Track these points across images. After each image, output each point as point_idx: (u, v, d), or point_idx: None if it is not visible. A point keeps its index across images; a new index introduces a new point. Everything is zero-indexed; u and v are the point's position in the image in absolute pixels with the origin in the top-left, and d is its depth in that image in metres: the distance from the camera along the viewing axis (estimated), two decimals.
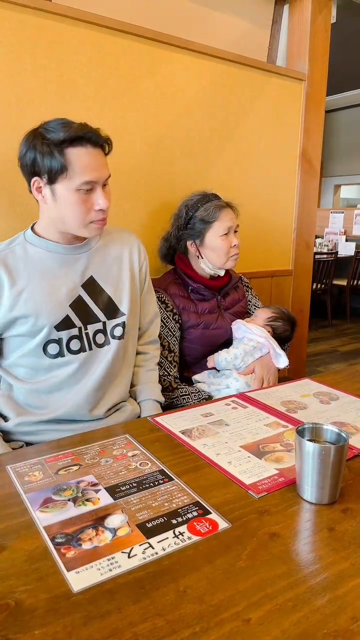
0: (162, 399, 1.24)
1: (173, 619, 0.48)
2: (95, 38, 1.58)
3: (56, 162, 0.97)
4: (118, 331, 1.15)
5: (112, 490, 0.69)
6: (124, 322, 1.15)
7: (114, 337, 1.14)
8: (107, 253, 1.17)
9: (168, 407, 1.27)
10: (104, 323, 1.13)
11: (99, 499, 0.67)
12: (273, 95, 2.13)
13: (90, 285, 1.12)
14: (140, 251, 1.24)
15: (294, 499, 0.69)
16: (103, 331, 1.13)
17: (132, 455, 0.80)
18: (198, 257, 1.41)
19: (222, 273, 1.47)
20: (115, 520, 0.62)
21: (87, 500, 0.67)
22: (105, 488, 0.70)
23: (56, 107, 1.54)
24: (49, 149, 0.97)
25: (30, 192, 1.06)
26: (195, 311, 1.41)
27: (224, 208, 1.39)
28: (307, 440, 0.68)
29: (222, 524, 0.62)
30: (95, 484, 0.71)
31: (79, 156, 0.98)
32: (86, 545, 0.57)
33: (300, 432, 0.71)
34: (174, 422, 0.94)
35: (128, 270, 1.19)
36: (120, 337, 1.15)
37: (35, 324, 1.04)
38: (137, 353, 1.26)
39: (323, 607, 0.50)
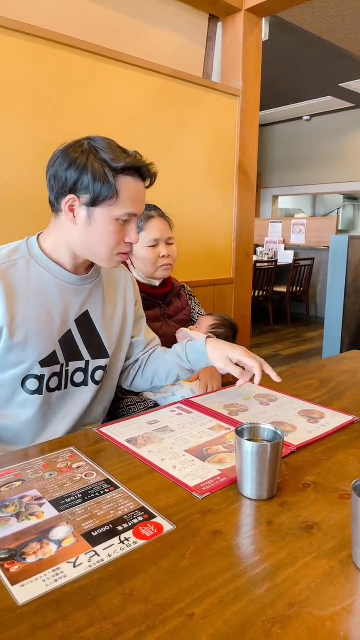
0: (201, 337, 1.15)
1: (119, 621, 0.49)
2: (29, 48, 1.58)
3: (107, 188, 0.92)
4: (98, 375, 1.10)
5: (57, 503, 0.69)
6: (106, 365, 1.11)
7: (93, 380, 1.09)
8: (104, 288, 1.12)
9: (114, 417, 1.28)
10: (87, 362, 1.08)
11: (43, 512, 0.67)
12: (209, 109, 2.21)
13: (83, 321, 1.07)
14: (134, 287, 1.20)
15: (235, 497, 0.72)
16: (84, 370, 1.08)
17: (77, 467, 0.80)
18: (130, 265, 1.44)
19: (156, 283, 1.49)
20: (60, 531, 0.62)
21: (31, 514, 0.66)
22: (49, 501, 0.69)
23: None
24: (103, 171, 0.92)
25: (53, 206, 0.99)
26: None
27: (151, 218, 1.42)
28: (246, 439, 0.72)
29: (167, 526, 0.64)
30: (38, 498, 0.70)
31: (128, 186, 0.95)
32: (30, 559, 0.57)
33: (240, 432, 0.74)
34: (119, 431, 0.95)
35: (121, 309, 1.15)
36: (98, 382, 1.11)
37: (20, 354, 0.97)
38: (144, 354, 1.22)
39: (262, 596, 0.53)
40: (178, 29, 2.22)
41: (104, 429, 0.96)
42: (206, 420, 1.01)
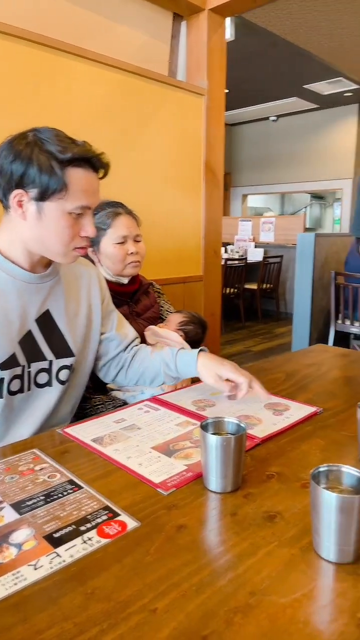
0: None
1: (81, 621, 0.48)
2: None
3: (55, 181, 0.89)
4: (63, 374, 1.07)
5: (18, 506, 0.67)
6: (72, 364, 1.08)
7: (58, 380, 1.07)
8: (66, 285, 1.09)
9: (82, 417, 1.26)
10: (51, 362, 1.05)
11: (3, 516, 0.65)
12: (175, 108, 2.21)
13: (45, 320, 1.03)
14: (100, 283, 1.17)
15: (201, 491, 0.72)
16: (47, 370, 1.05)
17: (40, 469, 0.78)
18: (98, 263, 1.43)
19: (125, 281, 1.48)
20: (20, 535, 0.61)
21: None
22: (10, 505, 0.68)
23: None
24: (49, 164, 0.89)
25: (2, 202, 0.95)
26: None
27: (118, 215, 1.41)
28: (211, 434, 0.72)
29: (132, 524, 0.64)
30: None
31: (79, 178, 0.92)
32: None
33: (204, 427, 0.75)
34: (84, 431, 0.94)
35: (86, 307, 1.12)
36: (64, 382, 1.08)
37: None
38: (128, 353, 1.21)
39: (224, 586, 0.53)
40: (142, 27, 2.22)
41: (68, 430, 0.94)
42: (174, 416, 1.01)
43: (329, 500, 0.55)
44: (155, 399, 1.12)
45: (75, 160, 0.91)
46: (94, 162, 0.95)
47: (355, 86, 6.28)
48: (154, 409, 1.05)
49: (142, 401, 1.11)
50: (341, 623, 0.48)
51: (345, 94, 6.76)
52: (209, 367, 1.07)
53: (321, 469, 0.61)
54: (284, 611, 0.50)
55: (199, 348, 1.14)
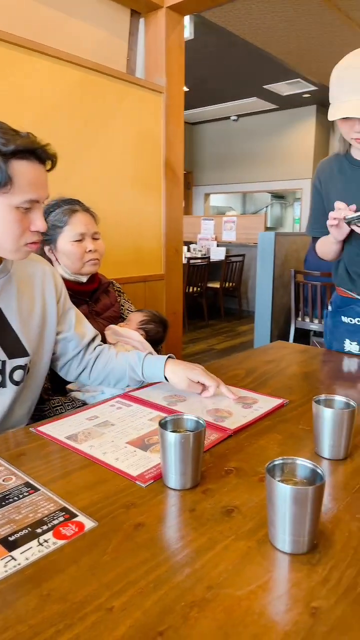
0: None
1: (36, 623, 0.47)
2: None
3: None
4: (18, 375, 1.04)
5: None
6: (26, 364, 1.06)
7: (12, 380, 1.04)
8: (19, 283, 1.06)
9: (40, 419, 1.23)
10: (4, 362, 1.02)
11: None
12: (134, 105, 2.20)
13: None
14: (54, 281, 1.14)
15: (160, 489, 0.72)
16: (0, 371, 1.02)
17: None
18: (55, 262, 1.41)
19: (83, 279, 1.46)
20: None
21: None
22: None
23: None
24: None
25: None
26: None
27: (75, 212, 1.39)
28: (170, 431, 0.73)
29: (89, 524, 0.63)
30: None
31: (24, 171, 0.89)
32: None
33: (163, 425, 0.75)
34: (58, 429, 0.93)
35: (40, 305, 1.10)
36: (18, 383, 1.05)
37: None
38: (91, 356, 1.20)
39: (182, 582, 0.53)
40: (99, 23, 2.19)
41: (42, 428, 0.93)
42: (146, 412, 1.01)
43: (283, 493, 0.57)
44: (126, 396, 1.11)
45: (19, 152, 0.88)
46: (39, 154, 0.92)
47: (313, 87, 6.45)
48: (125, 406, 1.05)
49: (114, 398, 1.10)
50: (296, 612, 0.50)
51: (303, 95, 6.93)
52: (178, 372, 1.09)
53: (276, 462, 0.63)
54: (240, 603, 0.50)
55: (167, 355, 1.15)
